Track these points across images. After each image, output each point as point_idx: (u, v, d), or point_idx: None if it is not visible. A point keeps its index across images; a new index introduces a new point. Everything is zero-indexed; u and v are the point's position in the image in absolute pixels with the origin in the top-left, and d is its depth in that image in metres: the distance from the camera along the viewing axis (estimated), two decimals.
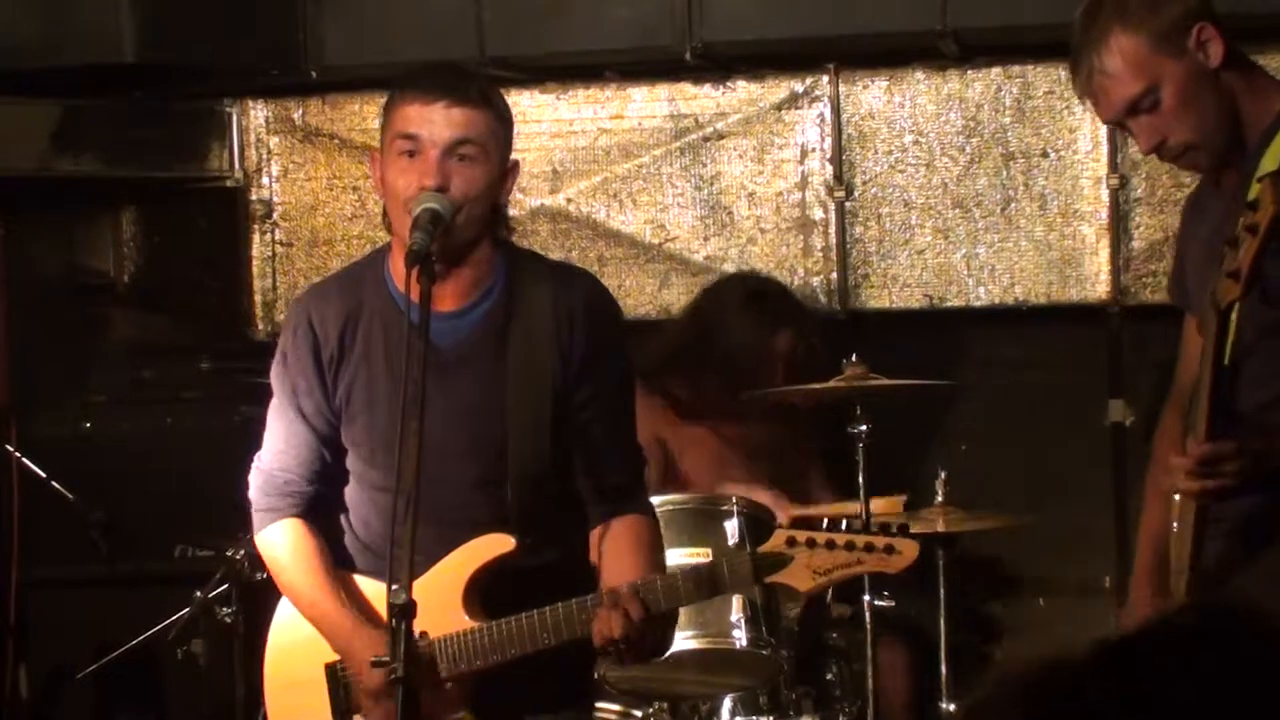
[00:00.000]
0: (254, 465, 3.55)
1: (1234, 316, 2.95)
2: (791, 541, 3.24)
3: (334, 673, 3.47)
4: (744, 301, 5.29)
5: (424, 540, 3.17)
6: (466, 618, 3.35)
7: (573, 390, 3.38)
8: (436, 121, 3.25)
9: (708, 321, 5.28)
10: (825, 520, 3.33)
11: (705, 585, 3.29)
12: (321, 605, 3.45)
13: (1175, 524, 3.15)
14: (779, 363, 5.17)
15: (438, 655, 3.33)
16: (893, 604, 4.55)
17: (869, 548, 3.24)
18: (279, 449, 3.49)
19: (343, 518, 3.53)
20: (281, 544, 3.49)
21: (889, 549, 3.25)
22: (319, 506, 3.51)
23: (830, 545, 3.23)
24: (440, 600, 3.28)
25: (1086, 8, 3.21)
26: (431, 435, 3.16)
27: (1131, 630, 1.29)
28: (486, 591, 3.38)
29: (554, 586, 3.34)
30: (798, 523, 3.35)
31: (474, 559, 3.36)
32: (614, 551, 3.41)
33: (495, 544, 3.35)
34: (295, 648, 3.55)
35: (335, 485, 3.52)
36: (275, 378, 3.50)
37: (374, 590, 3.42)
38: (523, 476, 3.37)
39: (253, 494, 3.54)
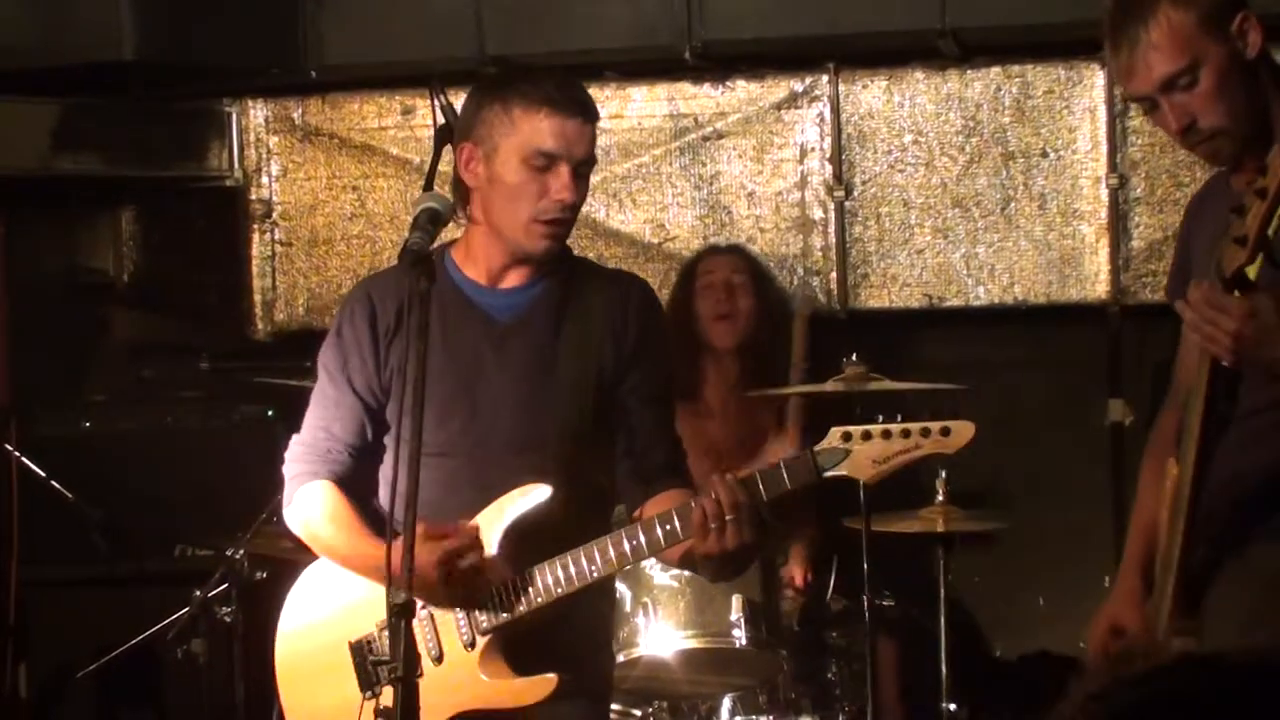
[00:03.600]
0: (292, 441, 3.62)
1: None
2: (847, 436, 3.25)
3: (360, 649, 3.52)
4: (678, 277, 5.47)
5: (465, 502, 3.36)
6: (503, 567, 3.39)
7: (623, 374, 3.50)
8: (572, 139, 3.41)
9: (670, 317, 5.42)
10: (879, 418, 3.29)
11: (769, 485, 3.28)
12: (354, 544, 3.48)
13: (1165, 521, 3.15)
14: (721, 290, 5.24)
15: (525, 588, 3.37)
16: (893, 603, 4.55)
17: (925, 432, 3.25)
18: (325, 418, 3.57)
19: (375, 501, 3.59)
20: (318, 499, 3.53)
21: (945, 431, 3.26)
22: (353, 482, 3.56)
23: (886, 435, 3.25)
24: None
25: None
26: (481, 401, 3.40)
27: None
28: (520, 544, 3.40)
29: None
30: (849, 419, 3.30)
31: (509, 510, 3.39)
32: (665, 503, 3.43)
33: (532, 493, 3.39)
34: (309, 639, 3.58)
35: (369, 467, 3.58)
36: (326, 355, 3.59)
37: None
38: (565, 436, 3.45)
39: (289, 464, 3.59)
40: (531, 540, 3.39)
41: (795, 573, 4.94)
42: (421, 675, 3.33)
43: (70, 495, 5.09)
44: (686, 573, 4.32)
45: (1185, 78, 3.13)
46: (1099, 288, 5.52)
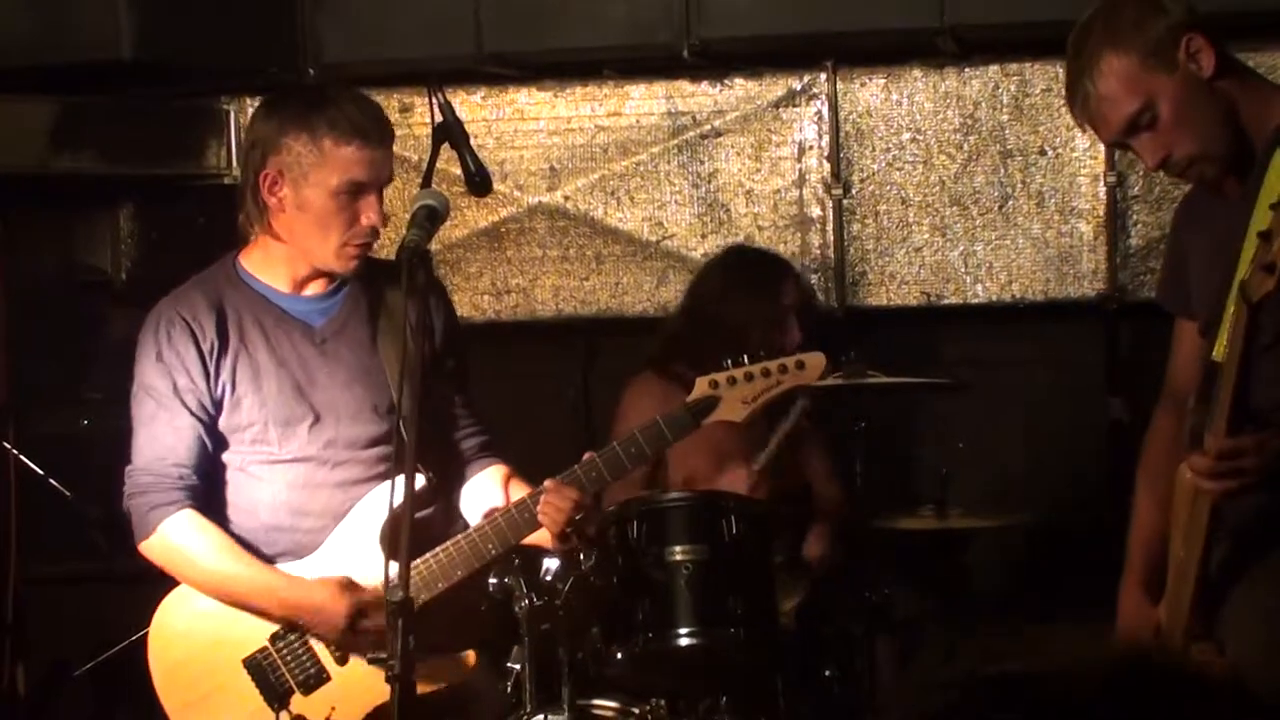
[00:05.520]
0: (131, 473, 3.63)
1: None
2: (714, 384, 3.61)
3: (257, 664, 3.56)
4: (743, 270, 5.27)
5: (327, 502, 3.52)
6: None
7: (440, 361, 3.69)
8: (380, 166, 3.56)
9: (707, 301, 5.19)
10: (729, 361, 3.64)
11: (650, 444, 3.61)
12: (256, 577, 3.54)
13: (1176, 528, 3.14)
14: (789, 315, 5.16)
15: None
16: (893, 602, 4.55)
17: (783, 369, 3.62)
18: (167, 445, 3.59)
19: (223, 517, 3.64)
20: (190, 532, 3.56)
21: (799, 365, 3.62)
22: (202, 504, 3.61)
23: (749, 377, 3.61)
24: (361, 548, 3.50)
25: (1076, 35, 3.23)
26: (319, 406, 3.55)
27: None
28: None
29: (442, 535, 3.56)
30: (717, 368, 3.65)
31: (382, 504, 3.47)
32: (506, 485, 3.74)
33: (414, 482, 3.45)
34: (192, 667, 3.60)
35: (213, 487, 3.63)
36: (151, 380, 3.61)
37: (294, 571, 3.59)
38: (408, 427, 3.51)
39: (138, 498, 3.60)
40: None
41: (813, 551, 4.94)
42: (329, 680, 3.43)
43: (69, 493, 5.09)
44: (686, 571, 4.33)
45: (1144, 116, 3.13)
46: (1097, 285, 5.52)
